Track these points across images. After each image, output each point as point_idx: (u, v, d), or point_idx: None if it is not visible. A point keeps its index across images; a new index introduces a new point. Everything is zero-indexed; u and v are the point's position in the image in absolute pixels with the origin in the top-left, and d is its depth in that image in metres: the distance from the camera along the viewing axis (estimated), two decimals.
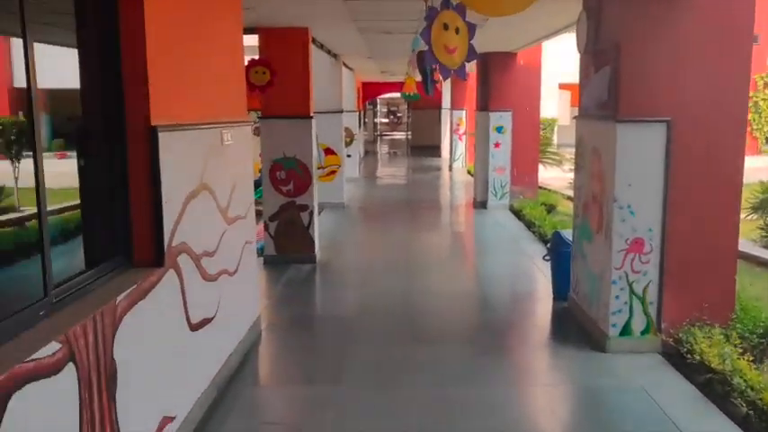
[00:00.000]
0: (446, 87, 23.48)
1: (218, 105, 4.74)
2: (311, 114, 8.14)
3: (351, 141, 17.18)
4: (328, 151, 12.49)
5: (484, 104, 12.29)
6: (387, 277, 7.76)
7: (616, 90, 5.05)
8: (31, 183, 2.73)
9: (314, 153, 8.21)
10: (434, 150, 26.39)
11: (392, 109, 45.11)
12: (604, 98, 5.25)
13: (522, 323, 6.23)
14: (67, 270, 3.30)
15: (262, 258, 8.33)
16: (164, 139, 3.54)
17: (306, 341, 5.73)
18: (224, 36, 5.01)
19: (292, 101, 8.06)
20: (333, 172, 12.57)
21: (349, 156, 17.13)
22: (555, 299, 6.65)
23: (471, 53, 4.27)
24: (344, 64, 14.84)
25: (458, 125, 20.04)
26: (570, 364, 5.14)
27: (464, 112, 19.84)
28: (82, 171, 3.50)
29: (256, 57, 7.21)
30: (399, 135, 40.72)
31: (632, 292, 5.12)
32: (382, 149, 32.08)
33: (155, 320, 3.44)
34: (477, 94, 12.88)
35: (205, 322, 4.29)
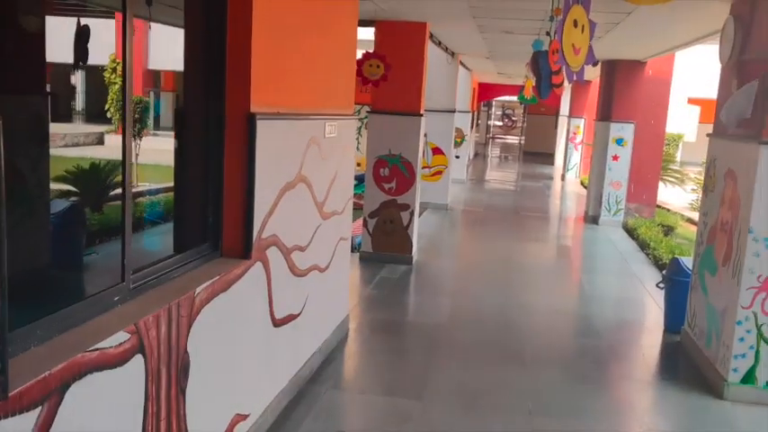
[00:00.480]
0: (565, 93, 22.63)
1: (323, 96, 4.60)
2: (421, 112, 7.91)
3: (461, 142, 16.84)
4: (436, 151, 12.24)
5: (605, 114, 11.62)
6: (484, 287, 7.42)
7: (763, 107, 4.48)
8: (151, 159, 2.64)
9: (420, 152, 7.98)
10: (547, 158, 25.56)
11: (507, 112, 44.14)
12: (747, 115, 4.68)
13: (626, 353, 5.74)
14: (159, 252, 3.23)
15: (357, 254, 8.21)
16: (262, 127, 3.41)
17: (392, 347, 5.51)
18: (337, 26, 4.86)
19: (404, 97, 7.86)
20: (439, 172, 12.30)
21: (458, 157, 16.80)
22: (666, 331, 6.09)
23: (590, 55, 3.89)
24: (461, 63, 14.52)
25: (574, 133, 19.22)
26: (679, 407, 4.63)
27: (582, 120, 19.00)
28: (178, 154, 3.43)
29: (371, 50, 7.05)
30: (512, 139, 39.79)
31: (761, 335, 4.54)
32: (493, 153, 31.46)
33: (236, 314, 3.32)
34: (598, 103, 12.21)
35: (290, 318, 4.16)
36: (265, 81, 3.52)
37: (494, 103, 39.91)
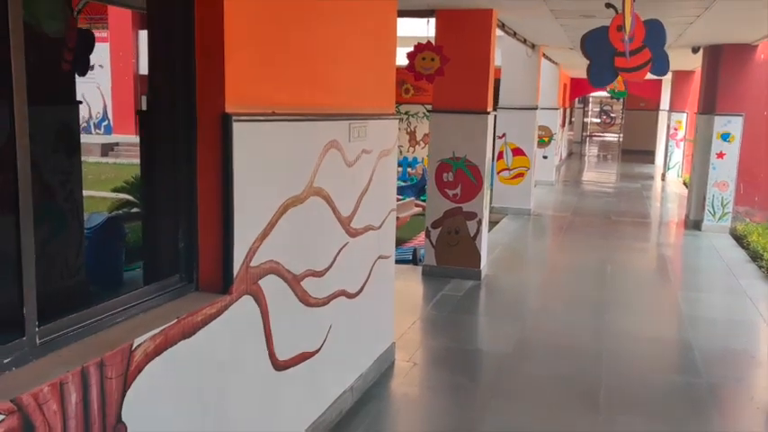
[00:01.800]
0: (665, 85, 20.97)
1: (346, 93, 3.91)
2: (489, 110, 7.08)
3: (548, 141, 15.74)
4: (517, 151, 11.30)
5: (709, 106, 10.31)
6: (562, 307, 6.50)
7: None
8: None
9: (488, 154, 7.14)
10: (648, 156, 23.80)
11: (605, 108, 41.95)
12: None
13: (731, 397, 4.70)
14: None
15: (420, 268, 7.47)
16: (242, 130, 2.75)
17: (443, 383, 4.74)
18: (366, 11, 4.16)
19: (468, 93, 7.05)
20: (520, 174, 11.35)
21: (545, 157, 15.74)
22: None
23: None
24: (545, 56, 13.47)
25: (675, 129, 17.63)
26: None
27: (685, 114, 17.39)
28: (143, 164, 2.84)
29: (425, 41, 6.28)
30: (611, 137, 37.74)
31: None
32: (590, 152, 29.79)
33: (210, 363, 2.68)
34: (700, 94, 10.89)
35: (303, 357, 3.49)
36: (252, 74, 2.87)
37: (590, 99, 38.01)
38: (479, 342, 5.63)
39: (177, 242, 2.75)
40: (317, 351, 3.65)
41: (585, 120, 37.95)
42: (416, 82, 6.04)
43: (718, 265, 8.32)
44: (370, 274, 4.39)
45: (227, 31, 2.66)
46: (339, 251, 3.86)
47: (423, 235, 7.64)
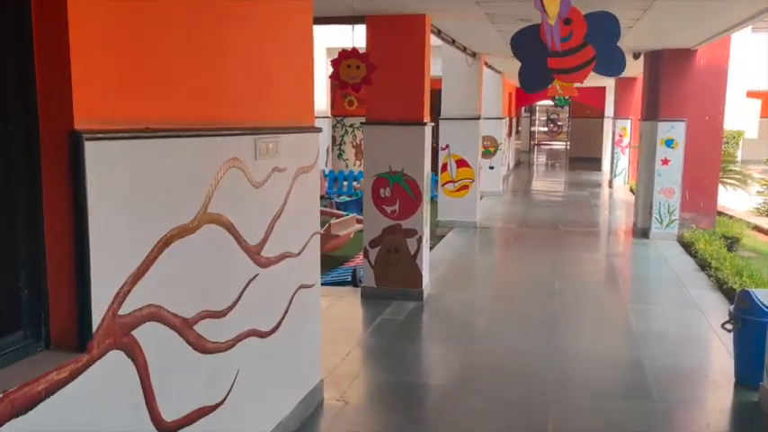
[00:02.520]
0: (609, 91, 21.10)
1: (250, 105, 3.43)
2: (425, 120, 6.68)
3: (494, 151, 15.51)
4: (461, 163, 10.96)
5: (652, 112, 10.17)
6: (507, 327, 6.11)
7: None
8: None
9: (426, 168, 6.74)
10: (595, 163, 23.91)
11: (552, 117, 42.44)
12: None
13: (689, 422, 4.35)
14: None
15: (359, 290, 7.01)
16: (97, 150, 2.26)
17: (381, 426, 4.28)
18: (271, 15, 3.70)
19: (403, 104, 6.65)
20: (465, 187, 11.02)
21: (492, 168, 15.50)
22: (738, 384, 4.71)
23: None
24: (488, 65, 13.24)
25: (620, 136, 17.66)
26: None
27: (629, 121, 17.44)
28: None
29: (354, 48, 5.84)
30: (559, 145, 38.12)
31: None
32: (538, 160, 29.87)
33: None
34: (643, 100, 10.75)
35: (201, 413, 2.98)
36: (114, 82, 2.38)
37: (537, 108, 38.30)
38: (419, 373, 5.18)
39: (19, 290, 2.23)
40: (220, 404, 3.14)
41: (533, 128, 38.20)
42: (342, 91, 5.59)
43: (667, 274, 8.08)
44: (288, 307, 3.90)
45: (73, 30, 2.17)
46: (246, 285, 3.38)
47: (360, 255, 7.19)
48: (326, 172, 16.91)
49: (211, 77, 3.05)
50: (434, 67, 15.85)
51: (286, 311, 3.87)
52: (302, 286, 4.09)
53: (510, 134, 21.04)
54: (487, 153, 15.55)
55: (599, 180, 19.66)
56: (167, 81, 2.73)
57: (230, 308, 3.22)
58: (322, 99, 17.58)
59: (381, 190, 6.78)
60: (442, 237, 10.49)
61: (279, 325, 3.77)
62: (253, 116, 3.44)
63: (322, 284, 7.93)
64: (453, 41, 8.93)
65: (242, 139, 3.30)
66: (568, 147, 31.48)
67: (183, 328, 2.84)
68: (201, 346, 2.99)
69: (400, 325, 6.08)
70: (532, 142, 36.19)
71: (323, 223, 10.01)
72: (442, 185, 11.07)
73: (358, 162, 19.58)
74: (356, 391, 4.67)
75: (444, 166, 11.04)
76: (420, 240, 6.77)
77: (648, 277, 8.23)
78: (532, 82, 3.87)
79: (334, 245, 9.35)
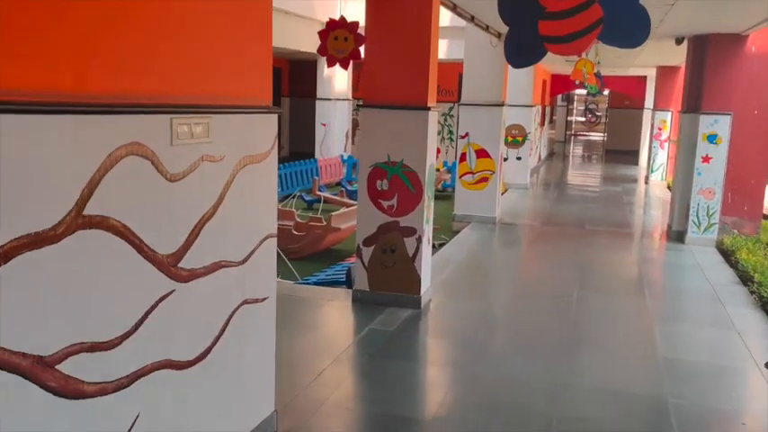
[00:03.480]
0: (650, 81, 19.95)
1: (167, 74, 2.69)
2: (430, 105, 5.88)
3: (522, 141, 14.62)
4: (481, 153, 10.11)
5: (693, 104, 9.19)
6: (517, 349, 5.32)
7: None
8: None
9: (429, 159, 5.94)
10: (632, 157, 22.74)
11: (590, 106, 40.95)
12: None
13: None
14: None
15: (350, 292, 6.27)
16: None
17: None
18: None
19: (404, 84, 5.85)
20: (484, 179, 10.17)
21: (519, 158, 14.63)
22: None
23: None
24: None
25: (660, 129, 16.54)
26: None
27: (669, 113, 16.31)
28: None
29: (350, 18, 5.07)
30: (596, 136, 36.75)
31: None
32: (574, 152, 28.68)
33: None
34: (684, 91, 9.76)
35: None
36: None
37: (575, 96, 36.91)
38: (399, 403, 4.41)
39: None
40: None
41: (570, 118, 36.88)
42: (329, 67, 4.83)
43: (702, 287, 7.18)
44: (225, 328, 3.18)
45: None
46: (154, 305, 2.66)
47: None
48: (345, 158, 16.18)
49: (105, 37, 2.31)
50: (458, 50, 14.97)
51: (220, 334, 3.15)
52: (247, 302, 3.36)
53: (542, 123, 20.02)
54: (515, 143, 14.70)
55: (635, 175, 18.56)
56: (29, 38, 2.00)
57: (125, 336, 2.51)
58: (343, 80, 16.82)
59: (378, 182, 6.02)
60: (458, 232, 9.70)
61: (208, 351, 3.05)
62: (170, 89, 2.70)
63: (314, 284, 7.29)
64: (472, 18, 8.08)
65: (148, 119, 2.57)
66: (605, 138, 30.21)
67: (39, 369, 2.13)
68: (73, 390, 2.28)
69: (389, 338, 5.33)
70: (568, 132, 34.91)
71: (331, 213, 9.29)
72: (460, 177, 10.25)
73: None
74: (319, 424, 3.94)
75: (463, 155, 10.21)
76: (419, 240, 5.99)
77: (681, 290, 7.32)
78: (518, 53, 3.06)
79: (336, 239, 8.62)
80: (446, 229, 10.07)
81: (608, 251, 8.95)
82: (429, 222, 6.21)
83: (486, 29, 9.08)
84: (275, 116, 3.54)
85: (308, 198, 12.07)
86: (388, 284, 6.08)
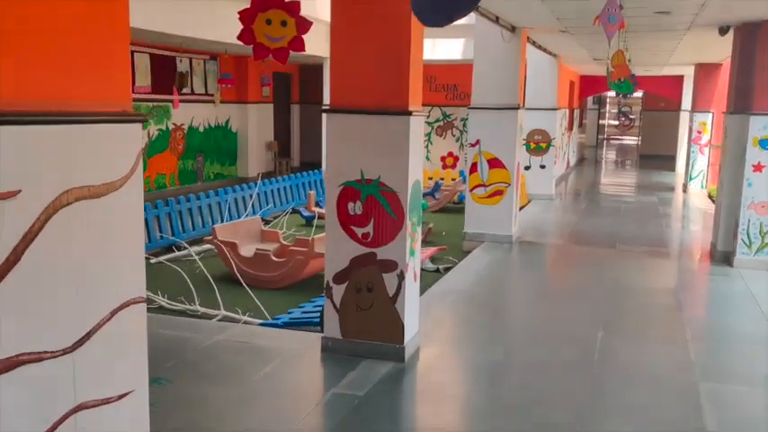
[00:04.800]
0: (687, 81, 18.48)
1: None
2: (410, 109, 4.71)
3: (546, 148, 13.34)
4: (494, 163, 8.89)
5: (742, 103, 7.85)
6: (525, 420, 4.10)
7: None
8: None
9: (411, 177, 4.76)
10: (668, 162, 21.19)
11: (623, 109, 39.26)
12: None
13: None
14: None
15: (320, 340, 5.11)
16: None
17: None
18: None
19: (380, 83, 4.71)
20: (498, 192, 8.94)
21: (543, 167, 13.36)
22: None
23: None
24: (537, 44, 11.09)
25: (699, 132, 15.08)
26: None
27: (710, 114, 14.85)
28: None
29: None
30: (630, 140, 35.09)
31: None
32: (607, 157, 27.14)
33: None
34: (730, 88, 8.42)
35: None
36: None
37: (607, 99, 35.32)
38: None
39: None
40: None
41: (602, 122, 35.25)
42: (257, 60, 3.70)
43: (758, 327, 5.86)
44: None
45: None
46: None
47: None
48: None
49: None
50: (466, 51, 13.77)
51: None
52: (82, 407, 2.23)
53: (570, 128, 18.68)
54: (538, 149, 13.44)
55: (672, 183, 17.07)
56: None
57: None
58: None
59: (350, 204, 4.86)
60: (468, 253, 8.49)
61: None
62: None
63: (284, 324, 6.14)
64: (476, 7, 6.87)
65: None
66: (639, 143, 28.60)
67: None
68: None
69: (355, 408, 4.15)
70: (600, 137, 33.30)
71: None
72: (471, 190, 9.04)
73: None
74: None
75: (474, 166, 9.00)
76: (401, 277, 4.81)
77: (731, 330, 5.98)
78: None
79: (320, 265, 7.44)
80: (455, 250, 8.87)
81: (641, 276, 7.64)
82: (415, 254, 5.02)
83: (497, 20, 7.88)
84: (136, 126, 2.41)
85: (306, 214, 10.96)
86: (364, 331, 4.91)
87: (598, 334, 5.53)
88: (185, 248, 8.52)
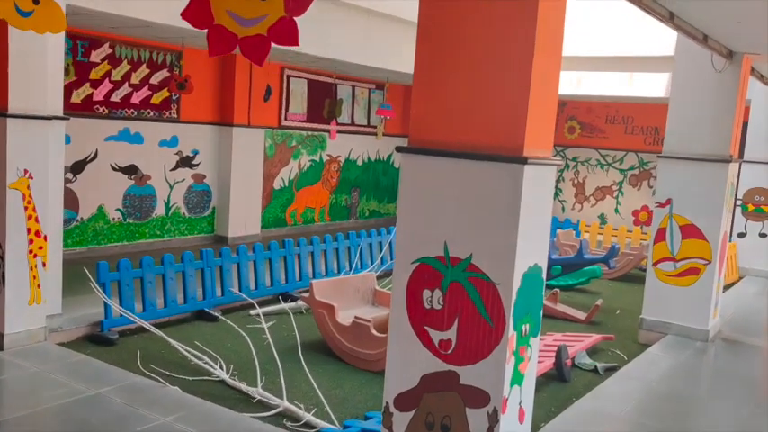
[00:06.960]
0: None
1: None
2: (525, 155, 2.95)
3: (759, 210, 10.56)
4: (690, 231, 6.64)
5: None
6: None
7: None
8: None
9: (525, 260, 2.98)
10: None
11: None
12: None
13: None
14: None
15: None
16: None
17: None
18: None
19: (483, 115, 3.02)
20: (693, 270, 6.66)
21: (763, 236, 10.58)
22: None
23: None
24: (761, 76, 8.55)
25: None
26: None
27: None
28: None
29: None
30: None
31: None
32: None
33: None
34: None
35: None
36: None
37: None
38: None
39: None
40: None
41: None
42: (217, 55, 2.20)
43: None
44: None
45: None
46: None
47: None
48: None
49: None
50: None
51: None
52: None
53: None
54: (759, 213, 10.72)
55: None
56: None
57: None
58: None
59: (426, 293, 3.20)
60: (644, 349, 6.34)
61: None
62: None
63: None
64: (671, 17, 4.87)
65: None
66: None
67: None
68: None
69: None
70: None
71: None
72: (655, 264, 6.85)
73: (578, 205, 15.47)
74: None
75: (661, 232, 6.82)
76: (494, 418, 3.03)
77: None
78: None
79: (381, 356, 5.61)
80: (627, 341, 6.72)
81: None
82: (523, 382, 3.21)
83: (704, 40, 5.74)
84: None
85: None
86: None
87: None
88: (292, 301, 7.32)
